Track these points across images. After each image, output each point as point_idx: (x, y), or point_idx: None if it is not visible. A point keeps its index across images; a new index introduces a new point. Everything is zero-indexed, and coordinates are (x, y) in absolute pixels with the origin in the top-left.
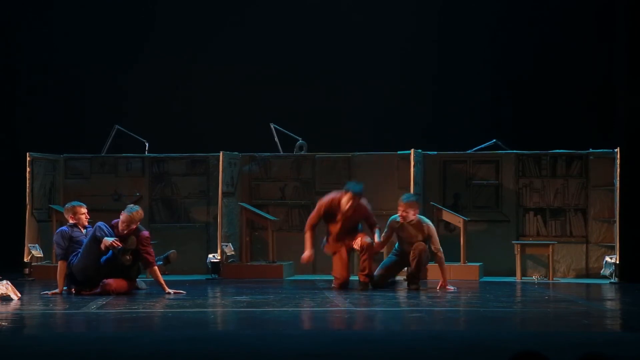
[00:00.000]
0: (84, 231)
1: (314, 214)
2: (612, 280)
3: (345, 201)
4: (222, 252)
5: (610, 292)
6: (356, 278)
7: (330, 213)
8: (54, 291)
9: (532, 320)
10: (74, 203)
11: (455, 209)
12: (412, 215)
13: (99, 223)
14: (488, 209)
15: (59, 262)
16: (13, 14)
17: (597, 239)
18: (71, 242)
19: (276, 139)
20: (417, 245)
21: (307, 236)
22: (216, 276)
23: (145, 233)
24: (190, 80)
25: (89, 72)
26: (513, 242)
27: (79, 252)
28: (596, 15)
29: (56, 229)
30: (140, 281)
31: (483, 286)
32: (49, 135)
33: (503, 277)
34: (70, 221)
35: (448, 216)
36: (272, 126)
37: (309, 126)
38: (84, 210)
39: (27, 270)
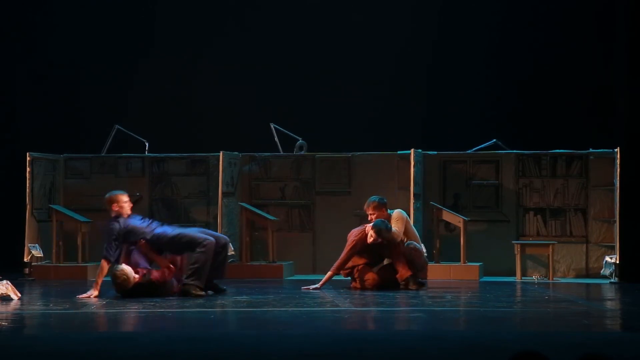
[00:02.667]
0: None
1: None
2: (612, 280)
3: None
4: None
5: (610, 292)
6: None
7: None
8: (89, 293)
9: (532, 320)
10: (116, 192)
11: (455, 209)
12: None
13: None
14: (488, 209)
15: (103, 261)
16: (13, 14)
17: (597, 239)
18: (126, 238)
19: (276, 139)
20: (407, 246)
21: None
22: None
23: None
24: (190, 80)
25: (89, 72)
26: (513, 242)
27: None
28: (596, 15)
29: (56, 229)
30: None
31: (483, 286)
32: (49, 135)
33: (503, 277)
34: (114, 209)
35: (448, 216)
36: (272, 126)
37: (309, 126)
38: (125, 198)
39: (27, 270)
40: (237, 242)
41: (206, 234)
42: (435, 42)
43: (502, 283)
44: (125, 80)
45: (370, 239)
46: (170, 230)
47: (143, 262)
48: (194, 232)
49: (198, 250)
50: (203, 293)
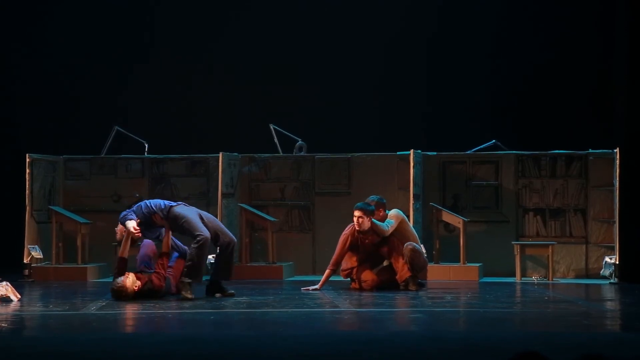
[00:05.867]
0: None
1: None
2: (611, 281)
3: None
4: None
5: (609, 293)
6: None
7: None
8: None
9: (532, 321)
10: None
11: (455, 209)
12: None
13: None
14: (488, 209)
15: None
16: (13, 15)
17: (596, 240)
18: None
19: (276, 139)
20: (406, 246)
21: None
22: None
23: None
24: (190, 81)
25: (89, 73)
26: (513, 242)
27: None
28: (596, 15)
29: (56, 231)
30: None
31: (483, 287)
32: (48, 137)
33: (503, 278)
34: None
35: (448, 217)
36: (271, 127)
37: (309, 126)
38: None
39: (26, 272)
40: (237, 243)
41: (219, 228)
42: (435, 42)
43: (502, 284)
44: (125, 81)
45: (355, 220)
46: (188, 212)
47: (147, 261)
48: (198, 221)
49: (192, 245)
50: (191, 297)
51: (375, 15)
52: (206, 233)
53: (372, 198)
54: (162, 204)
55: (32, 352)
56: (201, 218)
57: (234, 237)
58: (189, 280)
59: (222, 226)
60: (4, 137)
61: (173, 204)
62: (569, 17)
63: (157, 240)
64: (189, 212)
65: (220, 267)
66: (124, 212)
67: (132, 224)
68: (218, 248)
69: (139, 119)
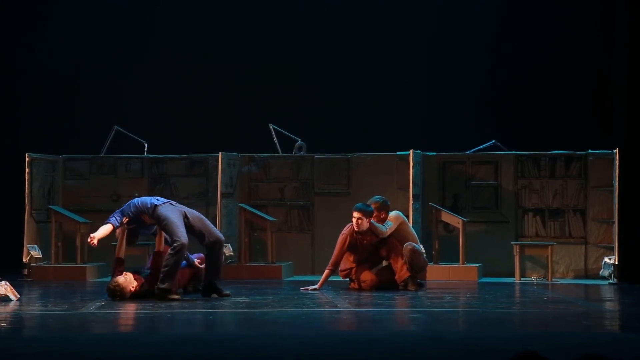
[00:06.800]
0: None
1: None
2: (610, 281)
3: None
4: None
5: (609, 293)
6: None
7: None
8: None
9: (532, 321)
10: None
11: (455, 209)
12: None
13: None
14: (487, 209)
15: (108, 225)
16: (13, 15)
17: (596, 240)
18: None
19: (275, 139)
20: (406, 247)
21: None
22: None
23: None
24: (189, 81)
25: (89, 73)
26: (512, 243)
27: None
28: (596, 15)
29: (55, 230)
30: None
31: (482, 287)
32: (48, 136)
33: (502, 278)
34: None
35: (447, 217)
36: (271, 127)
37: (309, 126)
38: None
39: (25, 271)
40: (236, 243)
41: (204, 227)
42: (435, 42)
43: (501, 284)
44: (124, 81)
45: (354, 221)
46: (170, 213)
47: (148, 263)
48: (179, 225)
49: (170, 251)
50: (177, 296)
51: (376, 15)
52: (183, 239)
53: (376, 199)
54: (148, 202)
55: (32, 352)
56: (187, 217)
57: (220, 236)
58: (164, 286)
59: (209, 225)
60: (4, 136)
61: (159, 202)
62: (569, 17)
63: (152, 235)
64: (172, 213)
65: (208, 267)
66: (113, 214)
67: (97, 233)
68: (205, 248)
69: (139, 119)
